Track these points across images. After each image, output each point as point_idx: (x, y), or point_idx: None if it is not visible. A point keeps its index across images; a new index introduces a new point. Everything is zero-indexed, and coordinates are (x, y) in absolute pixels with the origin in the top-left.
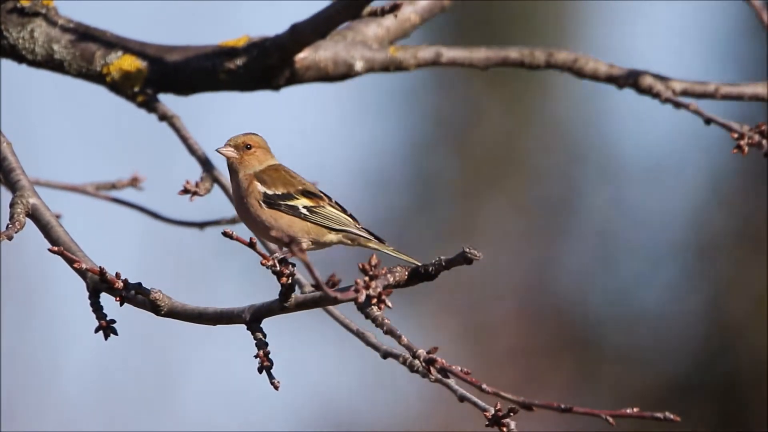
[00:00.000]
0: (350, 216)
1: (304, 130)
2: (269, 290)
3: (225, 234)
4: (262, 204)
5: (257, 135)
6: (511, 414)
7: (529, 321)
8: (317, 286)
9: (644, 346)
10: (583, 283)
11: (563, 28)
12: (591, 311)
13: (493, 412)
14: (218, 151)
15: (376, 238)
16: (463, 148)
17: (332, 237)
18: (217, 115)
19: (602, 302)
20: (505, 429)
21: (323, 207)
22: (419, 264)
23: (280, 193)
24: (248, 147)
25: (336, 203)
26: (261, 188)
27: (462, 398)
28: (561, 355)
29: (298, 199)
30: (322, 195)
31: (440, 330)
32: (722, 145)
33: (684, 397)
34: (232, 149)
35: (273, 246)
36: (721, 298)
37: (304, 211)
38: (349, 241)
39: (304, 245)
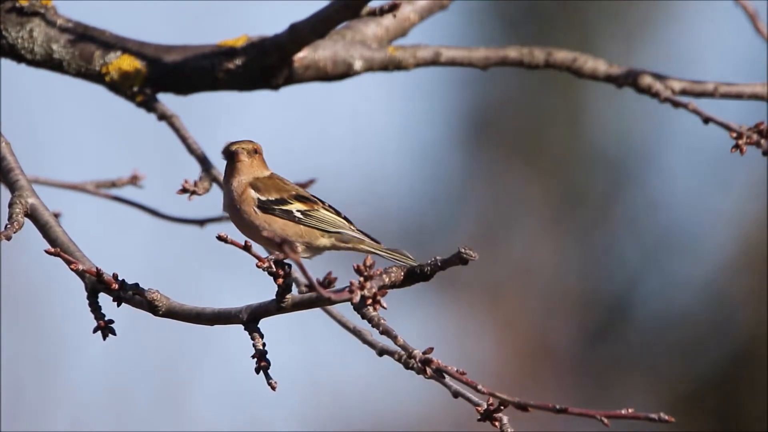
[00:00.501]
0: (345, 218)
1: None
2: (268, 290)
3: (219, 238)
4: (257, 210)
5: (256, 142)
6: (503, 408)
7: (555, 320)
8: (311, 286)
9: (677, 351)
10: (625, 284)
11: (563, 28)
12: (632, 311)
13: (485, 406)
14: (236, 147)
15: (372, 239)
16: (507, 141)
17: (325, 240)
18: (216, 115)
19: (643, 303)
20: (497, 424)
21: (317, 210)
22: (415, 264)
23: (273, 198)
24: (256, 152)
25: (330, 206)
26: (255, 195)
27: (456, 394)
28: (585, 350)
29: (292, 203)
30: (315, 199)
31: (460, 325)
32: None
33: (709, 407)
34: (246, 152)
35: (271, 250)
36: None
37: (298, 215)
38: (343, 244)
39: (298, 248)
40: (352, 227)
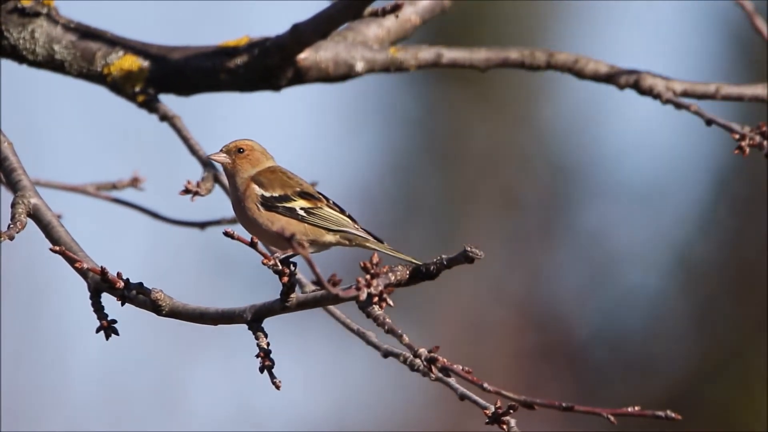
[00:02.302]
0: (348, 216)
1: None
2: (272, 290)
3: (226, 234)
4: (260, 207)
5: (251, 139)
6: (511, 411)
7: (519, 330)
8: (319, 283)
9: (633, 363)
10: (574, 294)
11: (564, 29)
12: (582, 324)
13: (493, 409)
14: (211, 158)
15: (375, 238)
16: (450, 157)
17: (330, 238)
18: (218, 116)
19: (593, 316)
20: (505, 427)
21: (321, 208)
22: (420, 263)
23: (277, 195)
24: (240, 151)
25: (334, 204)
26: (258, 191)
27: (462, 396)
28: (550, 367)
29: (295, 200)
30: (320, 196)
31: (432, 338)
32: (717, 162)
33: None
34: (225, 155)
35: (275, 249)
36: (713, 314)
37: (301, 212)
38: (347, 242)
39: (306, 244)
40: (355, 226)
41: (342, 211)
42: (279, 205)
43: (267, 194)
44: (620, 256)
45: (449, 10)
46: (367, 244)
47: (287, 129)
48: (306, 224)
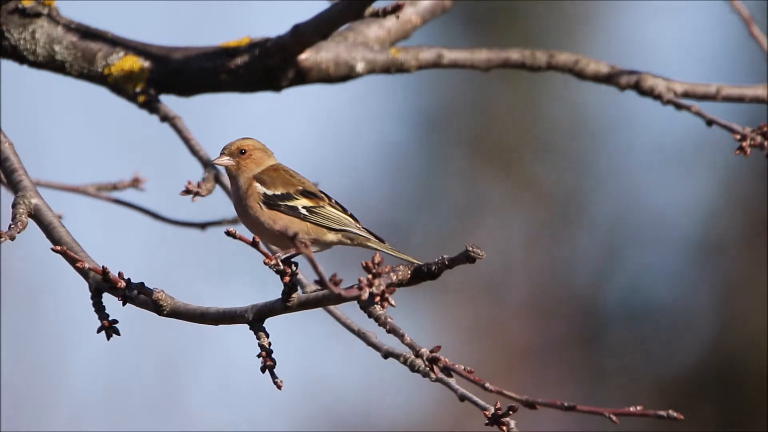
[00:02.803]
0: (350, 216)
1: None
2: (274, 290)
3: (228, 233)
4: (262, 205)
5: (250, 138)
6: (511, 412)
7: (540, 316)
8: (321, 282)
9: (652, 341)
10: (594, 278)
11: (565, 29)
12: (602, 306)
13: (492, 410)
14: (215, 163)
15: (377, 237)
16: (471, 140)
17: (332, 237)
18: (219, 117)
19: (613, 297)
20: (505, 428)
21: (323, 207)
22: (421, 263)
23: (279, 193)
24: (243, 152)
25: (336, 203)
26: (261, 189)
27: (462, 397)
28: (571, 350)
29: (297, 199)
30: (322, 195)
31: (447, 326)
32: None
33: (693, 394)
34: (228, 157)
35: (275, 248)
36: (732, 295)
37: (303, 211)
38: (349, 241)
39: (308, 244)
40: (357, 225)
41: (344, 210)
42: (281, 203)
43: (269, 192)
44: (641, 239)
45: (450, 9)
46: (369, 244)
47: (288, 129)
48: (308, 223)
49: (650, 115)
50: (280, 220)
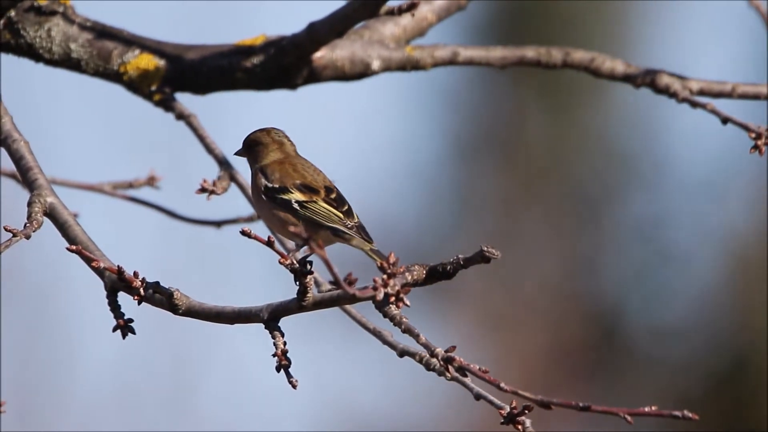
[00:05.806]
0: (346, 211)
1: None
2: (288, 289)
3: (243, 233)
4: (263, 197)
5: (268, 129)
6: (526, 411)
7: (564, 325)
8: (336, 283)
9: (672, 355)
10: (619, 290)
11: (581, 27)
12: (625, 318)
13: (508, 409)
14: (235, 154)
15: (365, 237)
16: (504, 153)
17: (323, 233)
18: (234, 115)
19: (637, 309)
20: (520, 427)
21: (315, 202)
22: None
23: (277, 186)
24: (255, 143)
25: (333, 198)
26: (263, 181)
27: (478, 396)
28: (594, 360)
29: (292, 193)
30: (318, 189)
31: (468, 329)
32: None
33: (709, 394)
34: (243, 149)
35: (290, 244)
36: (752, 315)
37: (295, 205)
38: (337, 238)
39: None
40: (346, 222)
41: (340, 205)
42: (277, 196)
43: (269, 185)
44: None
45: (465, 8)
46: (352, 243)
47: (303, 127)
48: (300, 218)
49: (682, 138)
50: (279, 213)
